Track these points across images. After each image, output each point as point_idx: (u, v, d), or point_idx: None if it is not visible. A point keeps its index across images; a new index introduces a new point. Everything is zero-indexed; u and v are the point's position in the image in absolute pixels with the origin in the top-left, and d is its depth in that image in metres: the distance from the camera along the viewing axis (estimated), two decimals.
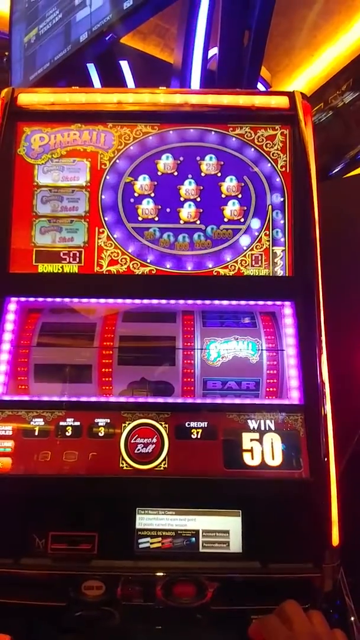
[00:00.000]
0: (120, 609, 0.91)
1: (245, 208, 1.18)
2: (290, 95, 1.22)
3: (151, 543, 0.95)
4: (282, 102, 1.23)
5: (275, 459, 1.01)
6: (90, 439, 1.02)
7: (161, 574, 0.92)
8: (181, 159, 1.19)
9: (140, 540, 0.95)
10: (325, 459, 1.00)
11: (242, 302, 1.18)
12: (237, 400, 1.09)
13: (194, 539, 0.95)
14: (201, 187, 1.18)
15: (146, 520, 0.96)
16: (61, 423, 1.03)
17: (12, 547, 0.94)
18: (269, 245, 1.16)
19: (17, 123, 1.21)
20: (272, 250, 1.16)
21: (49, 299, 1.18)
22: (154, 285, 1.16)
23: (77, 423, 1.03)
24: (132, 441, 1.02)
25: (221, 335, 1.16)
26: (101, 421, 1.04)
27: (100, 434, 1.03)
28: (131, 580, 0.91)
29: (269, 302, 1.18)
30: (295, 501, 0.97)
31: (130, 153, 1.19)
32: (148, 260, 1.16)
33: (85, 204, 1.18)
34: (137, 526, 0.96)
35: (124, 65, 2.92)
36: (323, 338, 1.08)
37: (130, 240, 1.17)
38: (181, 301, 1.18)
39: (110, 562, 0.93)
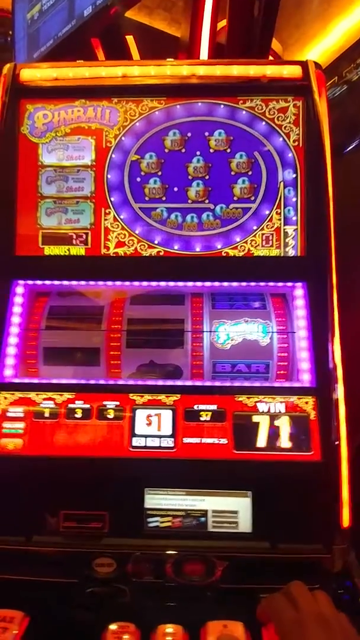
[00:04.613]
0: (131, 585, 0.93)
1: (255, 185, 1.14)
2: (303, 64, 1.16)
3: (161, 522, 0.96)
4: (294, 72, 1.17)
5: (285, 442, 1.00)
6: (99, 421, 1.02)
7: (171, 552, 0.93)
8: (189, 134, 1.15)
9: (149, 520, 0.96)
10: (337, 442, 0.98)
11: (252, 284, 1.15)
12: (247, 383, 1.08)
13: (203, 518, 0.96)
14: (210, 164, 1.14)
15: (155, 500, 0.97)
16: (70, 405, 1.04)
17: (25, 525, 0.96)
18: (280, 224, 1.13)
19: (20, 100, 1.18)
20: (284, 229, 1.12)
21: (57, 282, 1.17)
22: (162, 267, 1.13)
23: (87, 405, 1.04)
24: (141, 423, 1.02)
25: (231, 318, 1.14)
26: (110, 404, 1.04)
27: (109, 416, 1.03)
28: (141, 558, 0.93)
29: (280, 284, 1.15)
30: (305, 483, 0.96)
31: (136, 130, 1.15)
32: (155, 242, 1.14)
33: (91, 184, 1.15)
34: (147, 506, 0.97)
35: (130, 40, 2.83)
36: (336, 320, 1.06)
37: (137, 221, 1.14)
38: (190, 283, 1.16)
39: (121, 540, 0.94)
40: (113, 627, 0.79)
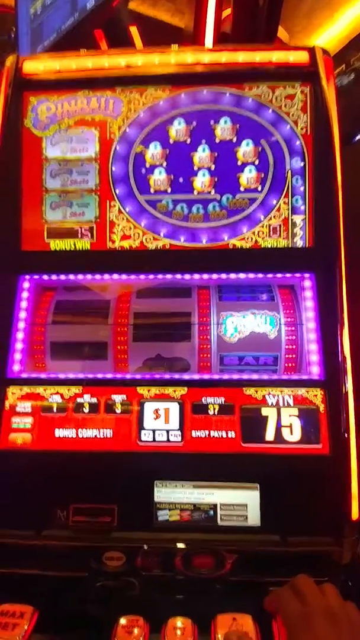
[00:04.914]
0: (140, 579, 0.93)
1: (262, 175, 1.11)
2: (310, 50, 1.13)
3: (170, 515, 0.96)
4: (301, 58, 1.14)
5: (293, 435, 0.99)
6: (107, 415, 1.02)
7: (180, 545, 0.93)
8: (194, 123, 1.13)
9: (159, 513, 0.96)
10: (346, 435, 0.97)
11: (260, 275, 1.13)
12: (255, 376, 1.07)
13: (212, 512, 0.96)
14: (215, 154, 1.12)
15: (164, 493, 0.97)
16: (78, 400, 1.04)
17: (34, 519, 0.96)
18: (288, 214, 1.10)
19: (23, 93, 1.17)
20: (292, 219, 1.10)
21: (62, 277, 1.16)
22: (168, 259, 1.12)
23: (94, 400, 1.04)
24: (149, 417, 1.02)
25: (238, 310, 1.13)
26: (118, 397, 1.03)
27: (117, 410, 1.03)
28: (150, 552, 0.93)
29: (288, 275, 1.13)
30: (314, 476, 0.95)
31: (140, 120, 1.14)
32: (161, 234, 1.12)
33: (95, 177, 1.14)
34: (156, 499, 0.97)
35: (134, 31, 2.80)
36: (345, 311, 1.04)
37: (143, 214, 1.13)
38: (196, 275, 1.14)
39: (130, 534, 0.94)
40: (123, 621, 0.79)
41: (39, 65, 1.19)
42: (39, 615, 0.82)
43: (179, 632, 0.76)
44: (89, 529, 0.95)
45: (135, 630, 0.77)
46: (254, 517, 0.95)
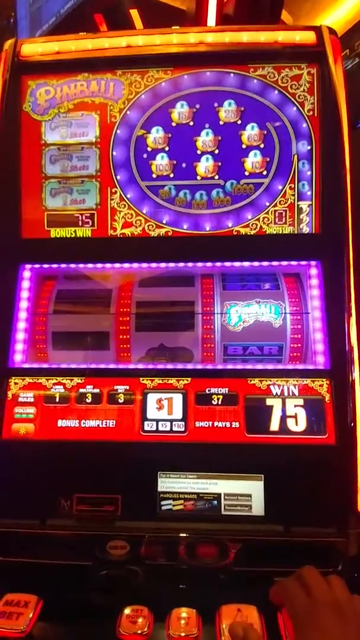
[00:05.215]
0: (145, 568, 0.93)
1: (268, 159, 1.08)
2: (317, 30, 1.09)
3: (173, 505, 0.95)
4: (308, 37, 1.10)
5: (299, 425, 0.98)
6: (110, 405, 1.01)
7: (184, 534, 0.93)
8: (197, 106, 1.09)
9: (162, 503, 0.95)
10: (352, 425, 0.96)
11: (265, 264, 1.11)
12: (259, 366, 1.05)
13: (215, 502, 0.95)
14: (219, 138, 1.09)
15: (168, 483, 0.97)
16: (81, 390, 1.03)
17: (38, 509, 0.96)
18: (294, 199, 1.07)
19: (22, 77, 1.14)
20: (298, 205, 1.07)
21: (63, 265, 1.15)
22: (171, 247, 1.10)
23: (97, 390, 1.03)
24: (152, 407, 1.00)
25: (242, 299, 1.11)
26: (120, 388, 1.02)
27: (120, 400, 1.02)
28: (154, 541, 0.93)
29: (294, 263, 1.11)
30: (319, 467, 0.95)
31: (141, 102, 1.10)
32: (164, 221, 1.10)
33: (96, 162, 1.11)
34: (160, 489, 0.96)
35: (135, 14, 2.73)
36: (352, 300, 1.01)
37: (145, 200, 1.10)
38: (199, 264, 1.12)
39: (134, 523, 0.94)
40: (127, 611, 0.79)
41: (37, 48, 1.15)
42: (43, 605, 0.82)
43: (183, 622, 0.76)
44: (93, 518, 0.95)
45: (140, 620, 0.77)
46: (258, 507, 0.94)
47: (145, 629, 0.76)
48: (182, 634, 0.75)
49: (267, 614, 0.78)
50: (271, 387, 1.00)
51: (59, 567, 0.93)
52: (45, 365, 1.09)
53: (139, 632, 0.76)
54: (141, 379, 1.03)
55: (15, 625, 0.76)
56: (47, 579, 0.87)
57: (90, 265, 1.14)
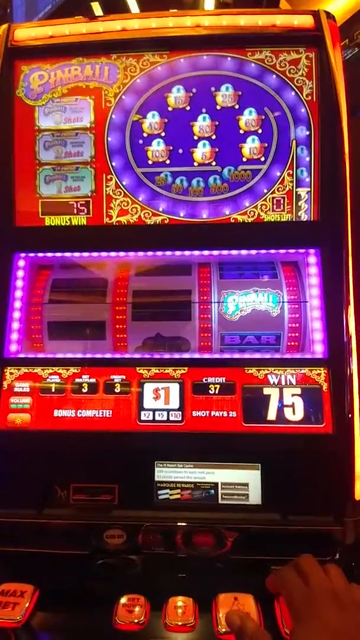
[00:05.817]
0: (141, 557, 0.93)
1: (266, 145, 1.06)
2: (315, 14, 1.07)
3: (170, 494, 0.95)
4: (306, 21, 1.08)
5: (296, 414, 0.97)
6: (106, 395, 1.01)
7: (181, 523, 0.92)
8: (194, 90, 1.07)
9: (159, 492, 0.95)
10: (350, 415, 0.95)
11: (262, 252, 1.10)
12: (257, 355, 1.04)
13: (212, 490, 0.95)
14: (216, 123, 1.07)
15: (165, 473, 0.96)
16: (77, 380, 1.02)
17: (35, 498, 0.96)
18: (293, 186, 1.06)
19: (15, 62, 1.11)
20: (296, 192, 1.06)
21: (58, 254, 1.13)
22: (167, 235, 1.08)
23: (93, 380, 1.02)
24: (149, 397, 1.00)
25: (239, 288, 1.09)
26: (117, 378, 1.01)
27: (116, 390, 1.01)
28: (151, 530, 0.92)
29: (292, 251, 1.09)
30: (316, 456, 0.94)
31: (137, 87, 1.08)
32: (160, 209, 1.08)
33: (91, 148, 1.09)
34: (156, 478, 0.96)
35: (131, 1, 2.69)
36: (351, 289, 1.00)
37: (141, 187, 1.08)
38: (196, 252, 1.11)
39: (131, 512, 0.94)
40: (124, 600, 0.79)
41: (30, 32, 1.12)
42: (40, 594, 0.82)
43: (180, 611, 0.76)
44: (90, 507, 0.94)
45: (136, 609, 0.77)
46: (255, 496, 0.94)
47: (142, 618, 0.76)
48: (179, 623, 0.75)
49: (264, 602, 0.78)
50: (268, 376, 0.99)
51: (55, 556, 0.93)
52: (41, 355, 1.08)
53: (136, 621, 0.76)
54: (138, 368, 1.02)
55: (12, 615, 0.76)
56: (44, 568, 0.87)
57: (85, 254, 1.12)
